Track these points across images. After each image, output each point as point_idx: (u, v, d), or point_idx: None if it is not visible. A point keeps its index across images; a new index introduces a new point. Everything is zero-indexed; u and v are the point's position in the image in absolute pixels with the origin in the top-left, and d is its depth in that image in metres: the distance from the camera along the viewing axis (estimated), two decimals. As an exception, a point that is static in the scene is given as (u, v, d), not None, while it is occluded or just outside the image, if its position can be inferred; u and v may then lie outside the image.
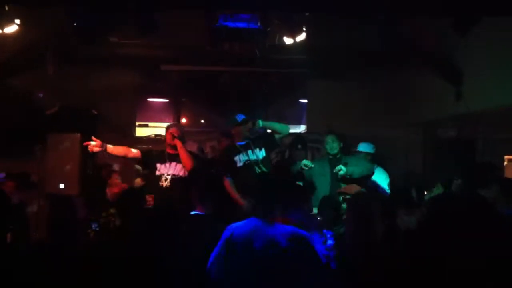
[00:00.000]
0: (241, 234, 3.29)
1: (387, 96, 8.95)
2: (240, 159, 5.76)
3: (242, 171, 5.70)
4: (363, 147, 6.76)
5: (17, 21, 6.00)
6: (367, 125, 8.32)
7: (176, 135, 5.73)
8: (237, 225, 3.37)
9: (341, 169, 5.76)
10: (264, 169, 5.67)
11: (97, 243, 3.35)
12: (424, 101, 8.32)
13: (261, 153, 5.77)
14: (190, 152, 5.88)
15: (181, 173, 5.75)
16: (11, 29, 5.99)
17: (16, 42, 6.61)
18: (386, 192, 6.30)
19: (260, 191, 3.53)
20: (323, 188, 5.91)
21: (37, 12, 6.47)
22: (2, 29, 5.94)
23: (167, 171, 5.76)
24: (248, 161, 5.71)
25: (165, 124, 10.37)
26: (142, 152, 5.99)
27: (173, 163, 5.78)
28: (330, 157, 6.10)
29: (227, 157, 5.85)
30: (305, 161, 6.00)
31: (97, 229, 4.51)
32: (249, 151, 5.76)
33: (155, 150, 6.15)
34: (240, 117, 5.82)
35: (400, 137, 8.42)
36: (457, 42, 6.65)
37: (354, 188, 5.20)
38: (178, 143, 5.68)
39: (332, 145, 6.08)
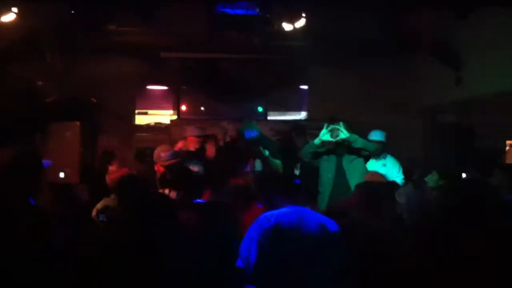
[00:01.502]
0: (288, 221, 3.28)
1: (388, 82, 8.93)
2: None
3: None
4: (375, 136, 6.62)
5: (15, 9, 5.96)
6: (367, 111, 8.30)
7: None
8: (279, 213, 3.35)
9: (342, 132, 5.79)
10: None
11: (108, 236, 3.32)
12: (424, 87, 8.30)
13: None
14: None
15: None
16: (9, 17, 5.96)
17: (15, 31, 6.57)
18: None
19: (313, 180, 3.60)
20: (329, 172, 5.95)
21: (35, 0, 6.45)
22: (-1, 18, 5.91)
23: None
24: None
25: (165, 112, 10.51)
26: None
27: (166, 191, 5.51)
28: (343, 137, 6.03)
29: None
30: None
31: (105, 219, 4.47)
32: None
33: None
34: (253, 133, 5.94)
35: (401, 123, 8.40)
36: (457, 27, 6.63)
37: (377, 177, 5.12)
38: None
39: (345, 132, 5.98)
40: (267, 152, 5.90)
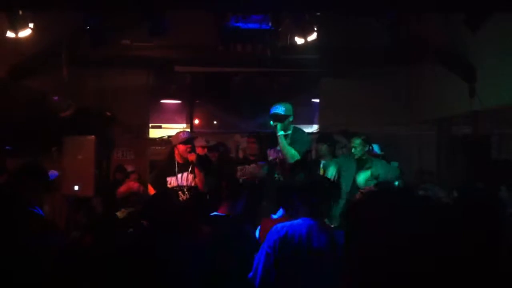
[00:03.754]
0: (298, 234, 3.30)
1: (400, 93, 8.93)
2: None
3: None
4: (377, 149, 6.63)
5: (31, 25, 6.06)
6: (380, 123, 8.30)
7: (194, 160, 5.61)
8: (290, 225, 3.37)
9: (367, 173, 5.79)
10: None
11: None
12: (438, 98, 8.28)
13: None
14: (206, 162, 5.79)
15: (193, 183, 5.66)
16: (25, 33, 6.06)
17: (31, 46, 6.68)
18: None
19: (319, 193, 3.53)
20: (346, 184, 5.93)
21: (50, 15, 6.54)
22: (16, 34, 6.00)
23: (179, 182, 5.66)
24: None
25: (178, 126, 10.58)
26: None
27: (185, 174, 5.67)
28: (357, 157, 6.06)
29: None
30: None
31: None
32: None
33: (160, 162, 6.05)
34: (280, 110, 5.78)
35: (414, 135, 8.39)
36: (470, 38, 6.62)
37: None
38: (196, 170, 5.58)
39: (359, 150, 6.02)
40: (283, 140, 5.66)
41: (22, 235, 2.94)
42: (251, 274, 3.35)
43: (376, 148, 6.67)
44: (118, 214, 4.68)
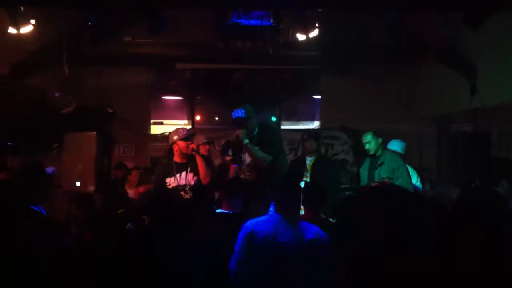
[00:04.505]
0: (263, 229, 3.35)
1: (401, 90, 8.93)
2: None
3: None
4: (395, 146, 6.50)
5: (33, 21, 6.06)
6: (380, 120, 8.30)
7: (195, 148, 5.49)
8: (256, 221, 3.43)
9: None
10: None
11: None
12: (438, 95, 8.28)
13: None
14: (206, 161, 5.65)
15: (192, 182, 5.52)
16: (27, 29, 6.06)
17: (32, 42, 6.69)
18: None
19: (286, 190, 3.57)
20: (361, 183, 5.94)
21: (52, 12, 6.55)
22: (18, 30, 6.01)
23: (179, 182, 5.53)
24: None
25: (180, 122, 10.58)
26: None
27: (183, 173, 5.54)
28: (371, 153, 5.96)
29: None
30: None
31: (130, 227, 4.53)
32: None
33: (160, 161, 5.92)
34: (242, 113, 5.43)
35: (414, 132, 8.39)
36: (470, 36, 6.62)
37: (385, 183, 5.14)
38: (198, 160, 5.45)
39: (373, 144, 5.91)
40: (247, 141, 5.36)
41: (25, 235, 2.95)
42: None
43: (398, 146, 6.56)
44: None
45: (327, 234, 3.36)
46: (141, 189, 5.69)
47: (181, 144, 5.52)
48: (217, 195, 5.36)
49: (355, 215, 2.05)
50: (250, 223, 3.44)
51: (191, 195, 5.44)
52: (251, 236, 3.35)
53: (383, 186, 4.92)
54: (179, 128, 5.84)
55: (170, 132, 5.77)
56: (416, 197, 2.66)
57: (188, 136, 5.60)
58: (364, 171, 6.07)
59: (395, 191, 2.51)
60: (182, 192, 5.47)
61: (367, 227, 1.96)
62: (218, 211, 4.23)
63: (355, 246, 1.98)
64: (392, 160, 5.81)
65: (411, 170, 6.52)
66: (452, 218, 2.21)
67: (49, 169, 6.14)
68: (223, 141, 8.01)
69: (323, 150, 8.79)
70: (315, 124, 10.55)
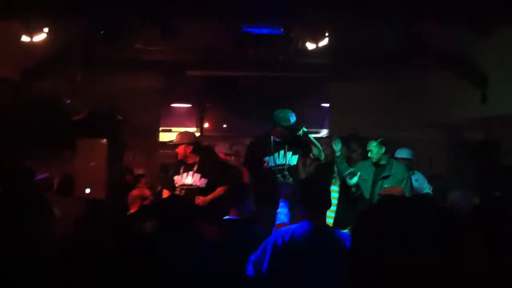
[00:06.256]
0: (301, 236, 3.31)
1: (411, 98, 8.92)
2: (268, 161, 5.45)
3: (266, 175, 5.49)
4: (403, 154, 6.58)
5: (46, 29, 6.13)
6: (390, 127, 8.30)
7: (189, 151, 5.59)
8: (292, 228, 3.38)
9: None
10: (288, 177, 5.40)
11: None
12: (449, 103, 8.27)
13: (292, 159, 5.45)
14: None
15: (198, 183, 5.57)
16: (40, 37, 6.14)
17: (45, 50, 6.75)
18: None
19: (314, 196, 3.52)
20: (365, 192, 5.91)
21: (64, 19, 6.62)
22: (31, 38, 6.08)
23: (184, 181, 5.60)
24: (274, 168, 5.43)
25: (189, 129, 10.61)
26: None
27: (190, 173, 5.62)
28: (374, 161, 5.93)
29: (252, 152, 5.66)
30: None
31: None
32: (281, 152, 5.45)
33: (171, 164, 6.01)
34: (293, 118, 5.42)
35: (425, 140, 8.38)
36: (481, 44, 6.63)
37: (396, 190, 5.11)
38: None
39: (375, 153, 5.88)
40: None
41: (33, 237, 2.97)
42: (252, 272, 3.37)
43: (406, 153, 6.59)
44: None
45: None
46: (135, 192, 5.72)
47: (179, 150, 5.65)
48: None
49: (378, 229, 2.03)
50: (284, 230, 3.38)
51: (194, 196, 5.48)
52: (289, 244, 3.28)
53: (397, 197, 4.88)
54: (186, 132, 5.93)
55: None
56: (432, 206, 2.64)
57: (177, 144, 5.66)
58: (368, 178, 5.97)
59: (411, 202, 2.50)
60: (183, 192, 5.53)
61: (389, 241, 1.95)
62: (225, 218, 4.23)
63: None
64: (398, 173, 5.79)
65: (422, 178, 6.53)
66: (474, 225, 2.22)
67: (40, 175, 6.19)
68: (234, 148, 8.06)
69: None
70: (324, 132, 10.57)
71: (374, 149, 5.86)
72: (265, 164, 5.41)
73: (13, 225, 2.92)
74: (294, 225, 3.43)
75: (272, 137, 5.45)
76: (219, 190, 5.52)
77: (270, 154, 5.42)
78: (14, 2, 5.89)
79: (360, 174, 5.88)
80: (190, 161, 5.65)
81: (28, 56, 7.00)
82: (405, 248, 1.88)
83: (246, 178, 5.55)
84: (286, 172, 5.44)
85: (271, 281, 3.30)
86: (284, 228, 3.45)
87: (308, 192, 3.60)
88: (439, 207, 3.18)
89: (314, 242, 3.29)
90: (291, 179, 5.38)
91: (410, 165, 6.50)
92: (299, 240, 3.30)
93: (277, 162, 5.42)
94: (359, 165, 6.15)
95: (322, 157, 5.58)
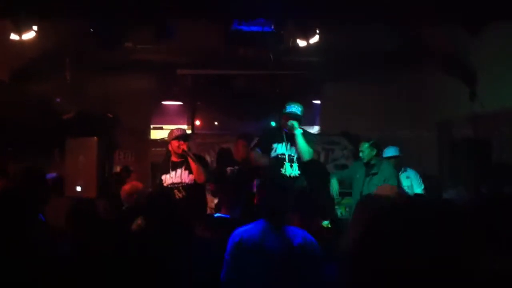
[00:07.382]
0: (251, 237, 3.33)
1: (401, 96, 8.95)
2: (276, 148, 5.66)
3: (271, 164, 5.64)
4: (390, 152, 6.64)
5: (35, 27, 6.08)
6: (380, 126, 8.32)
7: (186, 149, 5.58)
8: (245, 229, 3.41)
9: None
10: (296, 169, 5.60)
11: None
12: (438, 101, 8.30)
13: (294, 151, 5.66)
14: (199, 159, 5.74)
15: (186, 180, 5.61)
16: (29, 35, 6.07)
17: (34, 49, 6.70)
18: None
19: (276, 196, 3.53)
20: (356, 191, 5.97)
21: (54, 18, 6.56)
22: (20, 36, 6.02)
23: (173, 180, 5.62)
24: (281, 156, 5.62)
25: (180, 127, 10.59)
26: None
27: (178, 171, 5.64)
28: (365, 161, 6.14)
29: (265, 137, 5.86)
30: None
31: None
32: (289, 144, 5.65)
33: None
34: (290, 108, 5.70)
35: (414, 138, 8.41)
36: (470, 41, 6.65)
37: (387, 189, 5.12)
38: (190, 159, 5.55)
39: (366, 154, 6.09)
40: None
41: (28, 243, 2.94)
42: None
43: (393, 151, 6.64)
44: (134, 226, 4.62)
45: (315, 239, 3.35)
46: (127, 186, 5.71)
47: (174, 143, 5.63)
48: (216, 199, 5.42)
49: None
50: (238, 231, 3.40)
51: (184, 194, 5.50)
52: (239, 245, 3.32)
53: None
54: (175, 128, 5.94)
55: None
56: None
57: (179, 136, 5.67)
58: (361, 177, 6.13)
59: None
60: (175, 191, 5.53)
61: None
62: (216, 215, 4.23)
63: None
64: (385, 170, 5.99)
65: (414, 175, 6.56)
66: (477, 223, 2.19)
67: (50, 175, 6.16)
68: (222, 146, 8.06)
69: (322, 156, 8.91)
70: (315, 129, 10.57)
71: (366, 151, 6.08)
72: (273, 150, 5.57)
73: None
74: (249, 224, 3.45)
75: (284, 128, 5.66)
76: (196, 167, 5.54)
77: (280, 142, 5.61)
78: (1, 2, 5.84)
79: (354, 173, 6.18)
80: (179, 160, 5.65)
81: (17, 56, 6.94)
82: (417, 251, 1.85)
83: (253, 162, 5.66)
84: (294, 164, 5.60)
85: (233, 280, 3.32)
86: (242, 227, 3.45)
87: (267, 190, 3.66)
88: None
89: (264, 241, 3.30)
90: (297, 172, 5.49)
91: (401, 162, 6.56)
92: (250, 238, 3.32)
93: (285, 152, 5.51)
94: (354, 164, 6.42)
95: (306, 158, 5.62)
